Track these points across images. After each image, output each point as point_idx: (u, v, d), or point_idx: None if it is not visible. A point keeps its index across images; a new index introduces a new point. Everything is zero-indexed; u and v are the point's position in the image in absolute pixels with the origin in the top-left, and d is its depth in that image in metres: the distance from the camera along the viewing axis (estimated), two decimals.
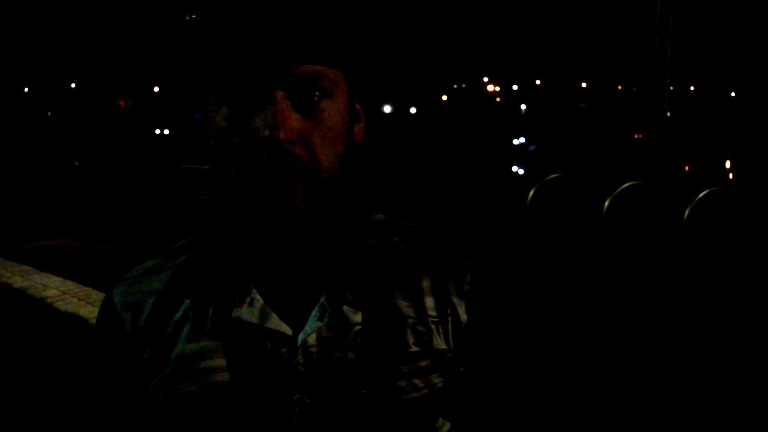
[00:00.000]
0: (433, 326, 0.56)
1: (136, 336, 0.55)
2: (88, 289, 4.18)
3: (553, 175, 7.24)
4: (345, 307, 0.53)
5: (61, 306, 3.79)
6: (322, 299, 0.54)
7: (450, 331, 0.57)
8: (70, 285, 4.26)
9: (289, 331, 0.52)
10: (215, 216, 0.57)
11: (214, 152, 0.53)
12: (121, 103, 27.02)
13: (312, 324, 0.53)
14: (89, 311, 3.74)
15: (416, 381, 0.53)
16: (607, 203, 6.38)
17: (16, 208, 7.60)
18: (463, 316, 0.57)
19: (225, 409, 0.51)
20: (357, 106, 0.57)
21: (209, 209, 0.58)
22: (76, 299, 3.97)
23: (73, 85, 27.84)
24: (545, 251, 5.53)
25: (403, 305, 0.56)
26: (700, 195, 6.25)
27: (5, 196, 8.53)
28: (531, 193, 6.93)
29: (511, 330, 0.61)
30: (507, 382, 0.61)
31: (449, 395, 0.56)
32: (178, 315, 0.54)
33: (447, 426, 0.56)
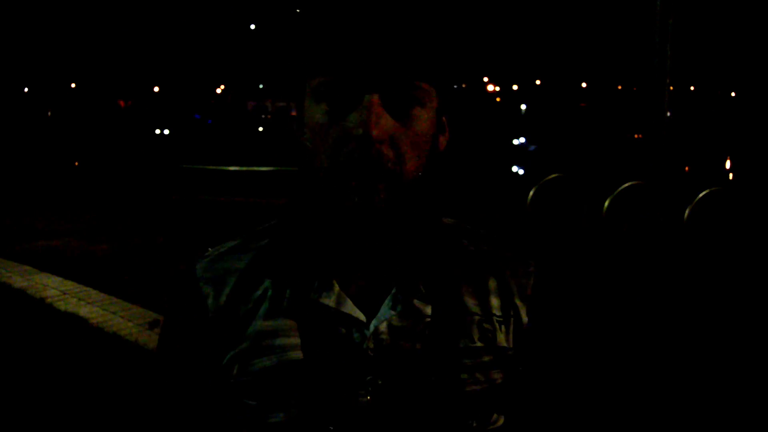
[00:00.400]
0: (497, 325, 0.59)
1: (217, 309, 0.58)
2: (88, 289, 4.17)
3: (553, 175, 7.24)
4: (416, 300, 0.57)
5: (61, 306, 3.79)
6: (394, 290, 0.57)
7: (512, 331, 0.60)
8: (69, 285, 4.26)
9: (363, 317, 0.56)
10: (300, 205, 0.61)
11: (307, 145, 0.57)
12: (121, 103, 27.02)
13: (385, 312, 0.56)
14: (89, 311, 3.74)
15: (478, 375, 0.57)
16: (607, 203, 6.37)
17: (16, 208, 7.59)
18: (525, 318, 0.61)
19: (298, 384, 0.54)
20: (444, 119, 0.61)
21: (295, 198, 0.62)
22: (76, 299, 3.97)
23: (73, 85, 27.83)
24: (546, 251, 5.52)
25: (471, 302, 0.59)
26: (700, 195, 6.24)
27: (5, 196, 8.52)
28: (531, 193, 6.93)
29: (569, 335, 0.64)
30: (562, 385, 0.64)
31: (506, 392, 0.59)
32: (258, 293, 0.57)
33: (501, 421, 0.60)
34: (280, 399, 0.54)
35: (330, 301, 0.56)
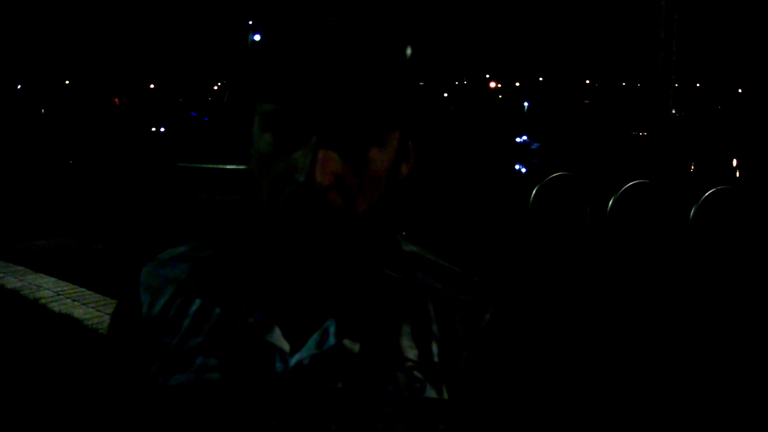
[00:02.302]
0: (433, 373, 0.55)
1: (148, 319, 0.57)
2: (83, 289, 4.15)
3: (556, 174, 7.18)
4: (346, 338, 0.54)
5: (55, 307, 3.77)
6: (326, 324, 0.54)
7: (449, 381, 0.55)
8: (64, 285, 4.24)
9: (287, 347, 0.53)
10: (242, 225, 0.59)
11: (253, 169, 0.54)
12: (116, 100, 27.05)
13: (310, 346, 0.53)
14: (83, 312, 3.71)
15: (398, 426, 0.52)
16: (611, 202, 6.31)
17: (9, 208, 7.57)
18: (465, 368, 0.56)
19: (212, 405, 0.53)
20: (409, 144, 0.56)
21: (238, 216, 0.61)
22: (70, 300, 3.95)
23: (66, 82, 27.89)
24: (548, 250, 5.47)
25: (406, 345, 0.55)
26: (707, 194, 6.17)
27: None
28: (534, 191, 6.87)
29: (502, 407, 0.59)
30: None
31: None
32: (191, 308, 0.56)
33: None
34: (195, 417, 0.53)
35: (258, 328, 0.54)
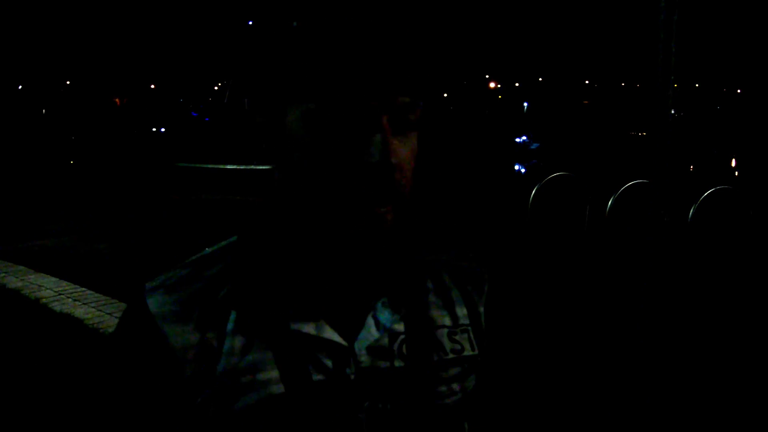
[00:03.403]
0: (465, 334, 0.61)
1: (180, 349, 0.52)
2: (83, 289, 4.16)
3: (555, 174, 7.19)
4: (390, 318, 0.57)
5: (56, 307, 3.77)
6: (374, 311, 0.56)
7: (474, 337, 0.62)
8: (65, 285, 4.24)
9: (344, 341, 0.54)
10: (265, 227, 0.57)
11: (295, 169, 0.52)
12: (117, 100, 27.06)
13: (365, 335, 0.55)
14: (84, 312, 3.71)
15: (454, 385, 0.58)
16: (610, 202, 6.32)
17: (10, 208, 7.57)
18: (483, 324, 0.63)
19: (282, 419, 0.52)
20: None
21: (257, 219, 0.58)
22: (72, 300, 3.95)
23: (68, 82, 27.89)
24: (548, 250, 5.48)
25: (437, 315, 0.60)
26: (705, 194, 6.18)
27: None
28: (533, 191, 6.88)
29: (522, 336, 0.67)
30: (518, 385, 0.67)
31: (475, 397, 0.62)
32: (229, 327, 0.53)
33: (466, 427, 0.61)
34: None
35: (309, 328, 0.53)
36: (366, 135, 0.50)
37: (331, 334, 0.54)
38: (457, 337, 0.60)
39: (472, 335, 0.61)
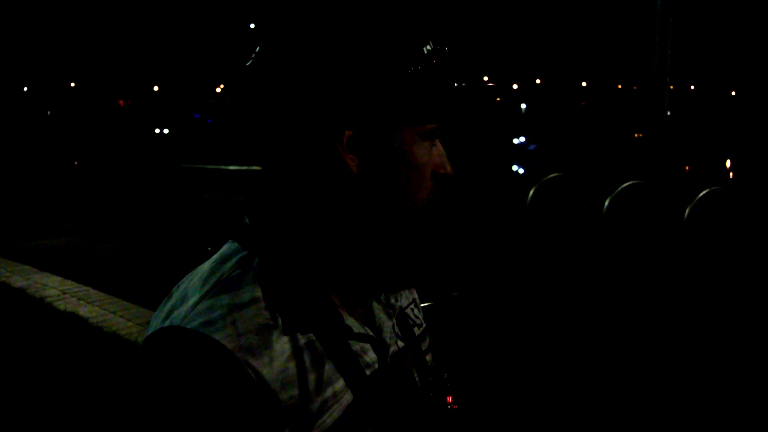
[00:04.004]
0: (417, 308, 0.69)
1: (274, 380, 0.49)
2: (88, 288, 4.18)
3: (552, 175, 7.23)
4: (413, 321, 0.66)
5: (61, 305, 3.79)
6: (379, 301, 0.60)
7: (418, 308, 0.70)
8: (69, 284, 4.26)
9: (373, 333, 0.58)
10: (302, 240, 0.55)
11: (393, 185, 0.54)
12: (121, 102, 27.03)
13: (387, 325, 0.59)
14: (88, 310, 3.74)
15: (428, 357, 0.66)
16: (607, 202, 6.37)
17: (16, 208, 7.58)
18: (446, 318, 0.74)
19: (360, 424, 0.53)
20: None
21: (299, 235, 0.55)
22: (76, 299, 3.97)
23: (72, 84, 27.84)
24: (545, 250, 5.52)
25: (404, 293, 0.67)
26: (701, 194, 6.24)
27: (4, 195, 8.51)
28: (531, 192, 6.92)
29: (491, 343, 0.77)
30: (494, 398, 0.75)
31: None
32: (296, 347, 0.52)
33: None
34: None
35: (356, 328, 0.56)
36: (431, 146, 0.56)
37: (362, 327, 0.56)
38: (416, 311, 0.66)
39: (419, 306, 0.69)
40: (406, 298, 0.65)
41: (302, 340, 0.52)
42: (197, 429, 0.47)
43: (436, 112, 0.55)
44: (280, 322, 0.52)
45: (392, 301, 0.61)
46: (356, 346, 0.55)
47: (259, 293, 0.52)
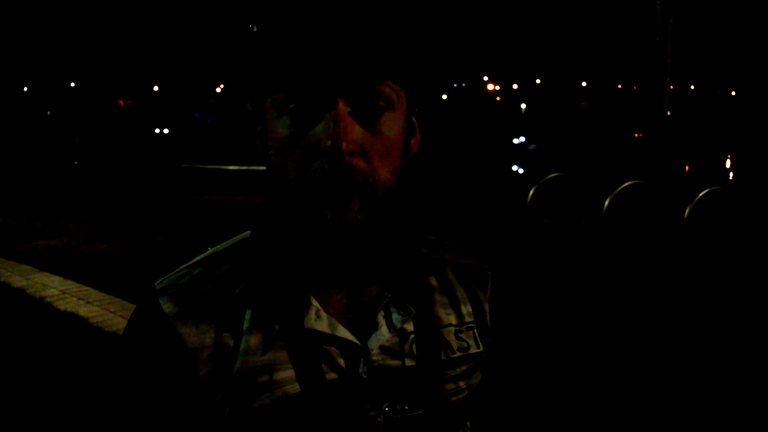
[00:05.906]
0: (470, 331, 0.61)
1: (195, 349, 0.52)
2: (88, 288, 4.17)
3: (553, 175, 7.24)
4: (400, 317, 0.57)
5: (61, 305, 3.78)
6: (385, 311, 0.56)
7: (479, 334, 0.62)
8: (69, 284, 4.25)
9: (356, 340, 0.54)
10: (269, 224, 0.57)
11: (272, 162, 0.53)
12: (121, 102, 27.07)
13: (377, 334, 0.55)
14: (89, 310, 3.73)
15: (461, 383, 0.59)
16: (607, 202, 6.37)
17: (16, 208, 7.59)
18: (488, 320, 0.63)
19: (298, 419, 0.52)
20: (414, 120, 0.58)
21: (263, 217, 0.58)
22: (76, 299, 3.96)
23: (72, 84, 27.88)
24: (545, 250, 5.52)
25: (443, 313, 0.60)
26: (701, 194, 6.24)
27: (4, 195, 8.52)
28: (531, 192, 6.93)
29: (526, 332, 0.71)
30: (522, 383, 0.71)
31: (481, 394, 0.62)
32: (246, 326, 0.53)
33: (469, 425, 0.62)
34: None
35: (323, 327, 0.53)
36: (317, 120, 0.50)
37: (344, 332, 0.53)
38: (462, 335, 0.60)
39: (477, 332, 0.61)
40: (446, 316, 0.59)
41: (258, 321, 0.53)
42: (125, 374, 0.54)
43: (276, 80, 0.51)
44: (229, 298, 0.54)
45: (406, 313, 0.56)
46: (331, 347, 0.53)
47: (227, 269, 0.55)
